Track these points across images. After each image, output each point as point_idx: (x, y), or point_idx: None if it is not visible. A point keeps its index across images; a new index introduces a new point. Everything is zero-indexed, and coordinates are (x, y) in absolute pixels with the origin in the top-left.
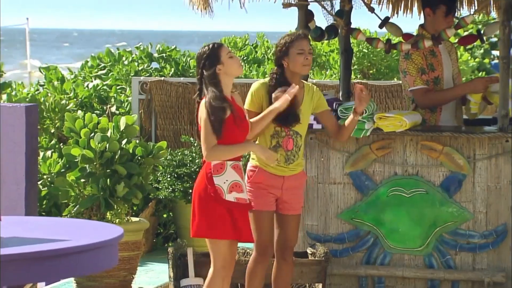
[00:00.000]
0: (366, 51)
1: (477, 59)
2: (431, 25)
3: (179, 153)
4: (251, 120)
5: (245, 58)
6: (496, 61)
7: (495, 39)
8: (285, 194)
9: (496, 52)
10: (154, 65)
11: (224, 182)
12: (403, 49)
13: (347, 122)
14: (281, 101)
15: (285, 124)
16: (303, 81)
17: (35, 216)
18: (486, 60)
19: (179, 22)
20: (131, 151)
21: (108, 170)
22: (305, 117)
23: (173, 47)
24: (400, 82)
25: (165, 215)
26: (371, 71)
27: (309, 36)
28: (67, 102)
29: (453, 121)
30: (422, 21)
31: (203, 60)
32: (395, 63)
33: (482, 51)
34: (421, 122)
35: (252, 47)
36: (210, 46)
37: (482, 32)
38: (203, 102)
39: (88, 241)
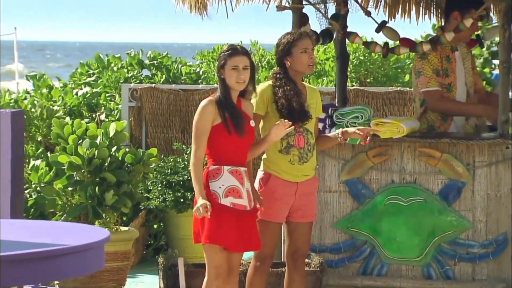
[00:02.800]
0: (362, 58)
1: (477, 69)
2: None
3: (171, 160)
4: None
5: None
6: (496, 71)
7: (495, 48)
8: (298, 201)
9: (497, 62)
10: (145, 72)
11: (220, 187)
12: (400, 53)
13: (328, 136)
14: (278, 134)
15: (297, 121)
16: (303, 82)
17: (19, 219)
18: (487, 70)
19: (171, 34)
20: (120, 158)
21: (96, 178)
22: (313, 115)
23: (164, 54)
24: (398, 89)
25: (155, 226)
26: (368, 80)
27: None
28: (58, 109)
29: (463, 131)
30: (420, 25)
31: (218, 57)
32: (393, 72)
33: (482, 60)
34: (419, 128)
35: None
36: (228, 50)
37: (481, 36)
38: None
39: (73, 243)
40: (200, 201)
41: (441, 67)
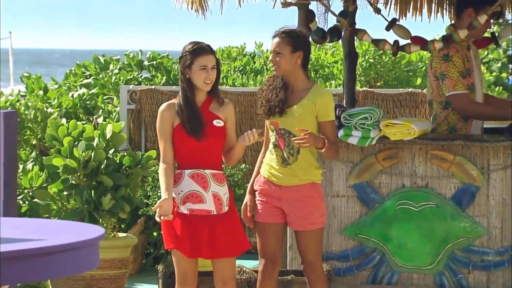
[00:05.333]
0: (372, 61)
1: (494, 73)
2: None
3: None
4: (228, 148)
5: (241, 68)
6: None
7: None
8: (285, 207)
9: None
10: (145, 73)
11: (179, 193)
12: (411, 51)
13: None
14: (246, 139)
15: (268, 113)
16: (315, 81)
17: (11, 217)
18: (504, 75)
19: (174, 40)
20: (118, 161)
21: (93, 182)
22: (300, 117)
23: (164, 55)
24: (409, 90)
25: (155, 234)
26: (378, 83)
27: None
28: (52, 111)
29: (481, 131)
30: (432, 24)
31: (181, 55)
32: (404, 75)
33: (499, 65)
34: (439, 131)
35: (250, 57)
36: (194, 48)
37: (497, 34)
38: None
39: (66, 241)
40: (160, 200)
41: (464, 68)
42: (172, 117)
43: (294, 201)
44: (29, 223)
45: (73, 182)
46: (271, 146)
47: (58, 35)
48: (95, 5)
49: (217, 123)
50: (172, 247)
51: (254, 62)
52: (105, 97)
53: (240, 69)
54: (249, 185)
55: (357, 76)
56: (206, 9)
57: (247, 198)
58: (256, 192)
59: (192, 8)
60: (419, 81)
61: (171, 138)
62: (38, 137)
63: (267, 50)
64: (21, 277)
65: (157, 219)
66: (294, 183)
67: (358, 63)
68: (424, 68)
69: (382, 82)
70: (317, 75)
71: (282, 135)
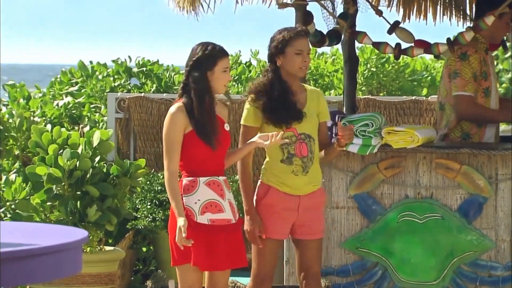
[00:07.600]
0: (374, 70)
1: (504, 85)
2: (490, 30)
3: (161, 177)
4: (230, 151)
5: (236, 77)
6: None
7: None
8: (302, 217)
9: None
10: (134, 81)
11: (196, 202)
12: (414, 54)
13: (328, 150)
14: (263, 142)
15: (288, 120)
16: (304, 84)
17: None
18: None
19: (171, 51)
20: (104, 170)
21: (78, 192)
22: (313, 119)
23: (154, 61)
24: (413, 98)
25: (144, 249)
26: (381, 94)
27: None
28: (39, 120)
29: (494, 138)
30: (438, 27)
31: (208, 55)
32: (408, 85)
33: (509, 75)
34: (452, 137)
35: (245, 65)
36: (216, 48)
37: (505, 38)
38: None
39: (47, 244)
40: (180, 221)
41: (480, 70)
42: (185, 121)
43: (310, 210)
44: (10, 226)
45: (57, 192)
46: (284, 155)
47: (47, 50)
48: (87, 19)
49: (226, 127)
50: (183, 262)
51: (250, 71)
52: (91, 106)
53: (235, 78)
54: (249, 204)
55: (359, 86)
56: (198, 10)
57: (254, 218)
58: (265, 206)
59: (185, 10)
60: (424, 91)
61: (181, 144)
62: (22, 147)
63: (261, 61)
64: (2, 281)
65: (180, 246)
66: (311, 190)
67: (359, 72)
68: (429, 77)
69: (385, 92)
70: (317, 84)
71: (303, 140)
